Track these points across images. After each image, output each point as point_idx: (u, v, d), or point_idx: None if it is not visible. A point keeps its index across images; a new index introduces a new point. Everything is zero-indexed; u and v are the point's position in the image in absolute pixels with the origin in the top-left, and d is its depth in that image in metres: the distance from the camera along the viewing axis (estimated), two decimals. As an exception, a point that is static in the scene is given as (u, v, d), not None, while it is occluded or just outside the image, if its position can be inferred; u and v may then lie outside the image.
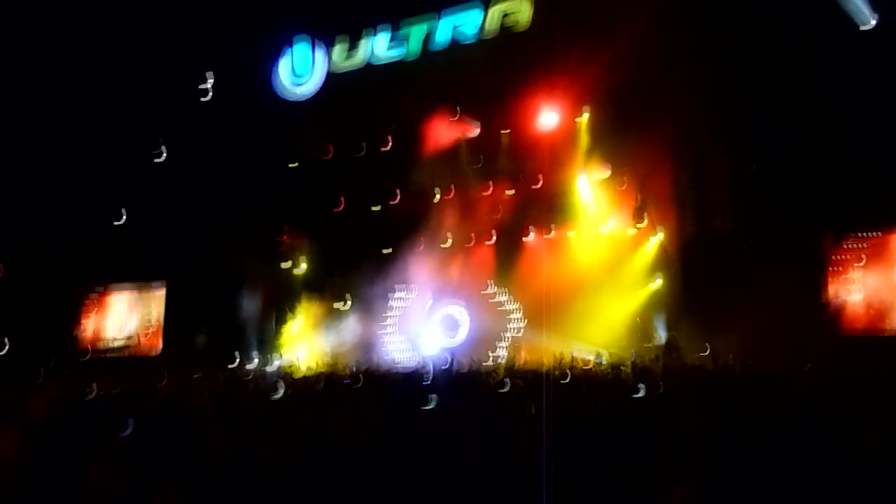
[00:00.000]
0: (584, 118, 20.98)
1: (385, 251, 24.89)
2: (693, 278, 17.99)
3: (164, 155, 23.18)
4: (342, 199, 25.94)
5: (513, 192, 22.88)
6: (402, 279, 24.25)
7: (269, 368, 21.53)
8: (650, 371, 13.15)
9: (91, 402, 11.44)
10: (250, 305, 23.98)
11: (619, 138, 20.33)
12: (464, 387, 10.22)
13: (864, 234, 18.39)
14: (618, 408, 7.33)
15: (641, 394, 9.71)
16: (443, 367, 15.41)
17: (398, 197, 25.00)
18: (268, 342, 24.49)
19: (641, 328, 19.51)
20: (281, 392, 12.14)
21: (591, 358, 16.55)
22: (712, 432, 5.45)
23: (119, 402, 11.47)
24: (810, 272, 18.28)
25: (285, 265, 25.83)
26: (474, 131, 22.38)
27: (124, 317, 27.31)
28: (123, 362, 24.47)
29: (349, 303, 24.99)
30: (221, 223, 23.79)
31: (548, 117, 20.93)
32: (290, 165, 24.56)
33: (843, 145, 16.60)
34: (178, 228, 23.47)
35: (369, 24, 22.37)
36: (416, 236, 24.32)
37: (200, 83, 23.47)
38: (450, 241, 23.80)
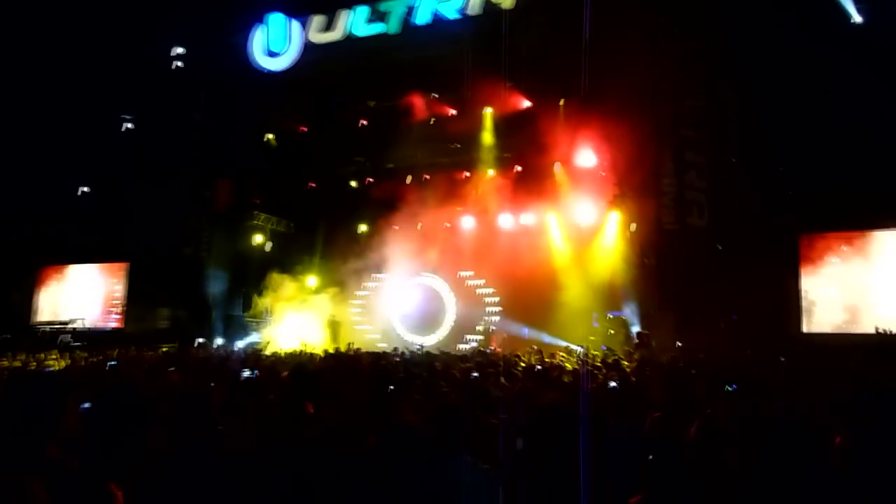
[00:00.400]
0: (563, 103, 20.67)
1: (360, 230, 24.72)
2: (667, 274, 17.87)
3: (129, 128, 22.78)
4: (316, 175, 25.74)
5: (492, 174, 22.76)
6: (377, 260, 24.02)
7: (236, 347, 21.24)
8: (615, 365, 13.06)
9: (46, 375, 11.05)
10: (217, 283, 23.63)
11: (600, 125, 20.12)
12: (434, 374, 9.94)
13: (840, 232, 18.47)
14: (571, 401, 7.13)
15: (612, 385, 9.60)
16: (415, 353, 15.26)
17: (374, 175, 24.82)
18: (236, 320, 24.17)
19: (615, 324, 19.44)
20: (247, 373, 11.81)
21: (562, 354, 16.37)
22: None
23: (77, 376, 11.10)
24: (786, 269, 18.31)
25: (255, 242, 25.55)
26: (453, 111, 22.01)
27: (86, 293, 26.95)
28: (85, 337, 23.96)
29: (321, 282, 24.82)
30: (189, 200, 23.45)
31: (528, 101, 20.61)
32: (266, 139, 24.09)
33: (824, 142, 16.54)
34: (143, 205, 23.01)
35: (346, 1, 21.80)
36: (392, 216, 24.09)
37: (170, 56, 22.90)
38: (420, 225, 23.62)
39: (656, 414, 5.35)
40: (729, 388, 8.08)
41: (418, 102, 22.21)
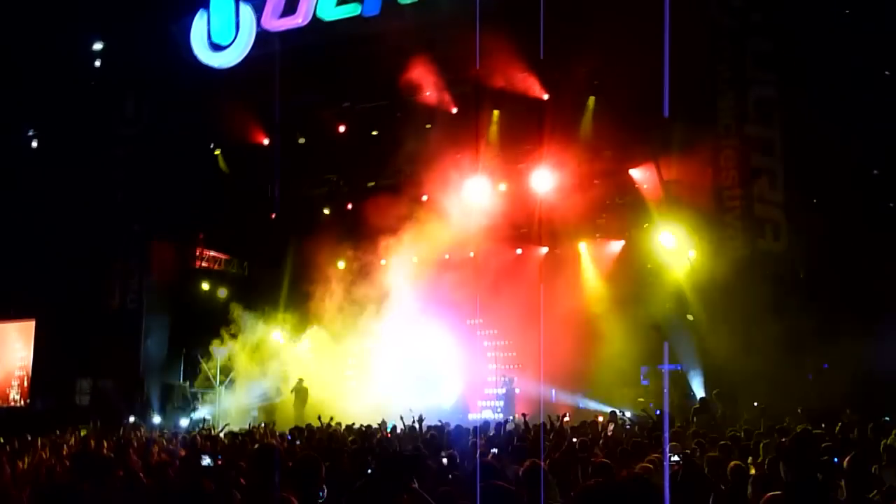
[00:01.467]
0: (594, 98, 20.72)
1: (338, 266, 24.59)
2: (736, 312, 17.62)
3: (35, 146, 22.80)
4: (278, 201, 25.65)
5: (503, 188, 22.77)
6: (360, 306, 23.89)
7: (179, 426, 21.00)
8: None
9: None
10: (154, 342, 23.39)
11: (641, 124, 20.10)
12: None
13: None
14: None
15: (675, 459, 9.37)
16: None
17: (353, 198, 24.79)
18: (177, 392, 23.89)
19: (673, 381, 19.21)
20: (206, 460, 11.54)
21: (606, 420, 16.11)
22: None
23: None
24: (890, 301, 17.97)
25: (203, 288, 25.38)
26: (454, 109, 22.03)
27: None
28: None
29: (288, 335, 24.62)
30: (113, 234, 23.29)
31: (547, 94, 20.60)
32: (213, 153, 24.09)
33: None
34: (54, 243, 22.83)
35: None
36: (378, 248, 23.98)
37: (87, 53, 22.95)
38: (415, 259, 23.52)
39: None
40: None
41: (408, 101, 22.22)
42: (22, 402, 25.36)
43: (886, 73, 17.43)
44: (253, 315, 24.44)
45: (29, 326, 25.75)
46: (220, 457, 9.54)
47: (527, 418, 16.36)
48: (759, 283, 17.45)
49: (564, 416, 16.24)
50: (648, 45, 17.68)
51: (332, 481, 7.92)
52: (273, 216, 25.13)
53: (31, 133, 23.87)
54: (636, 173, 21.23)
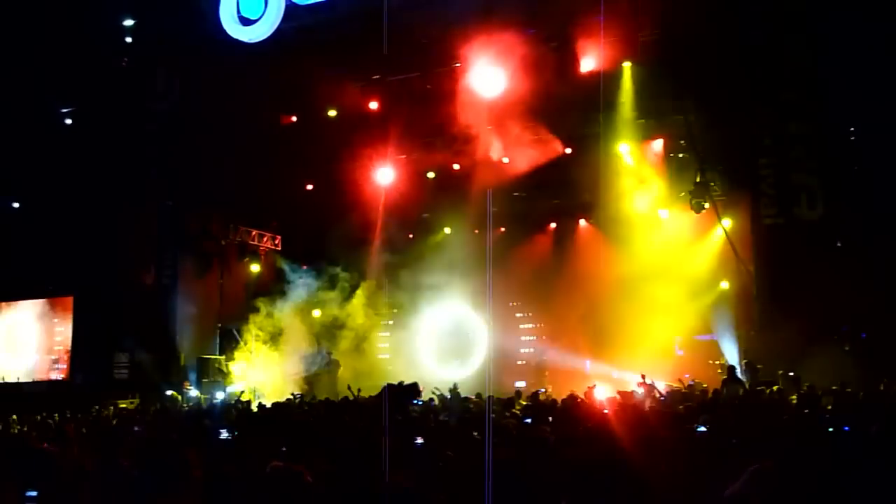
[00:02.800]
0: (629, 65, 20.46)
1: (374, 240, 24.65)
2: (771, 283, 17.47)
3: (70, 124, 22.97)
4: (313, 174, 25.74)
5: (530, 163, 22.64)
6: (395, 280, 24.02)
7: (214, 399, 21.21)
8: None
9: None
10: (189, 317, 23.63)
11: (675, 91, 19.93)
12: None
13: None
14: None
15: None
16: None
17: (383, 174, 24.77)
18: (212, 365, 24.15)
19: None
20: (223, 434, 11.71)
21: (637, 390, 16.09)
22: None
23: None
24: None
25: (235, 261, 25.55)
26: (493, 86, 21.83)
27: (19, 338, 27.10)
28: (22, 395, 24.07)
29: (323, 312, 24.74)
30: (148, 210, 23.49)
31: (584, 63, 20.34)
32: (245, 128, 24.12)
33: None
34: (91, 222, 23.07)
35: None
36: (406, 224, 24.07)
37: (118, 29, 23.01)
38: (447, 230, 23.55)
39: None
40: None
41: (440, 73, 22.12)
42: (63, 377, 25.80)
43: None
44: (286, 289, 24.57)
45: (67, 303, 26.17)
46: (235, 431, 9.68)
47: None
48: (794, 251, 17.29)
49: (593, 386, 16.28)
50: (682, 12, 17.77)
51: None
52: (309, 188, 25.30)
53: (64, 111, 24.01)
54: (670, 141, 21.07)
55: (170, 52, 23.33)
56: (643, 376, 16.50)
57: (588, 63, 20.31)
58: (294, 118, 24.25)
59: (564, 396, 14.81)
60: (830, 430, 9.32)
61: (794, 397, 13.48)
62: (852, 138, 18.38)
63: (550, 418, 12.10)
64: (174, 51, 23.20)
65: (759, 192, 18.01)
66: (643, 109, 21.11)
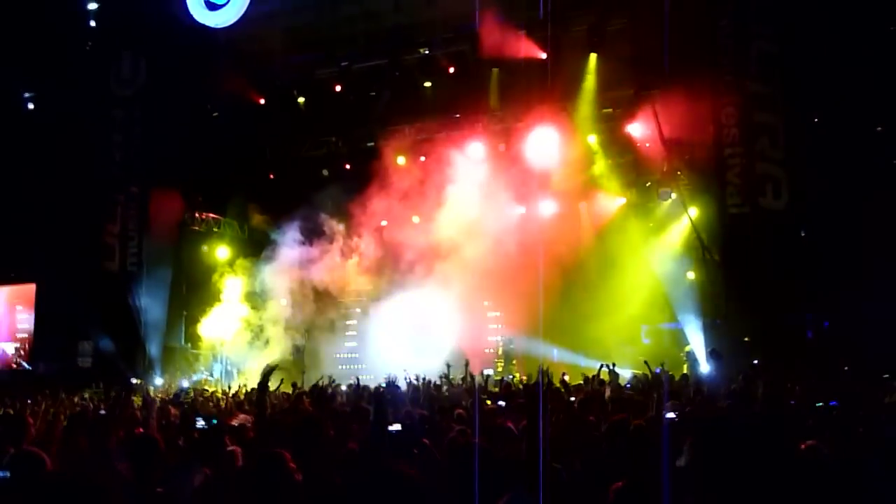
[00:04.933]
0: (595, 55, 20.52)
1: (338, 225, 24.53)
2: (736, 271, 17.57)
3: (31, 109, 22.61)
4: (275, 161, 25.63)
5: (503, 148, 22.72)
6: (357, 270, 23.91)
7: (178, 388, 21.02)
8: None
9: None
10: (154, 305, 23.37)
11: (643, 81, 20.02)
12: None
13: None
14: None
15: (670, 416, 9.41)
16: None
17: (351, 159, 24.70)
18: (178, 353, 23.97)
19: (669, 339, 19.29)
20: (202, 422, 11.52)
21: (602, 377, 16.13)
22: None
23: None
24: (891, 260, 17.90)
25: (202, 249, 25.36)
26: (452, 68, 21.81)
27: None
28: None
29: (290, 301, 24.60)
30: (112, 196, 23.21)
31: (549, 53, 20.33)
32: (210, 114, 23.90)
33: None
34: (53, 207, 22.72)
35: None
36: (376, 209, 23.94)
37: (81, 12, 22.65)
38: (417, 218, 23.49)
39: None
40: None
41: (407, 61, 22.05)
42: (25, 366, 25.44)
43: (892, 28, 17.21)
44: (250, 275, 24.43)
45: (30, 290, 25.79)
46: (214, 420, 9.52)
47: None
48: (759, 241, 17.41)
49: (564, 374, 16.27)
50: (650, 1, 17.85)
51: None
52: (271, 177, 25.21)
53: (26, 95, 23.62)
54: (636, 130, 21.11)
55: (135, 36, 22.98)
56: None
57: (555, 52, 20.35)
58: (262, 101, 23.99)
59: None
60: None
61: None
62: (818, 129, 18.46)
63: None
64: (140, 35, 22.85)
65: (725, 182, 18.08)
66: (609, 99, 21.19)
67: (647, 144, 21.00)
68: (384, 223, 23.70)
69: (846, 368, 14.21)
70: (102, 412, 13.68)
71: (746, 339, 16.90)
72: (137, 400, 17.40)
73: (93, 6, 22.91)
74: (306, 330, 23.67)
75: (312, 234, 24.12)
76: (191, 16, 22.02)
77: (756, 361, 15.99)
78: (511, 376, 18.84)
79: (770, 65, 17.86)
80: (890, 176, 17.37)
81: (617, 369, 16.74)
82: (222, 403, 15.65)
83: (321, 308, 24.31)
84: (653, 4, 18.20)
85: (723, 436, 5.59)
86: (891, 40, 16.70)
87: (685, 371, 17.32)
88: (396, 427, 7.67)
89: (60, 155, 22.85)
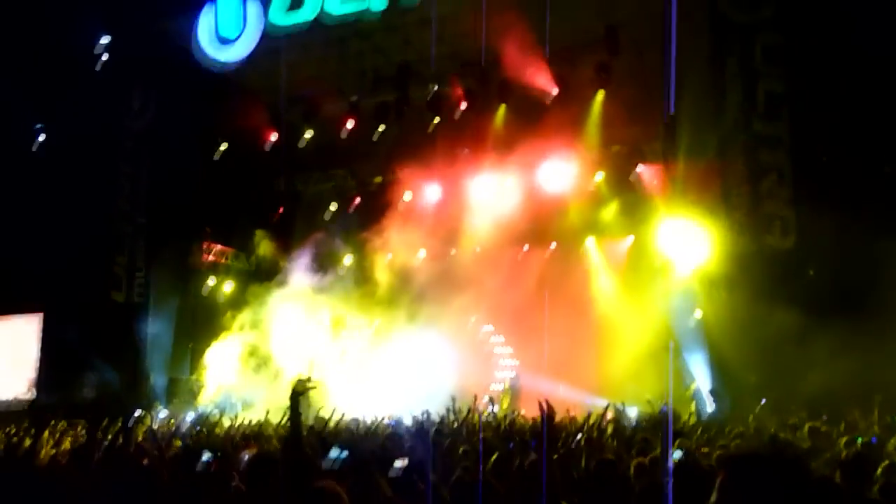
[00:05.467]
0: (600, 95, 20.60)
1: (343, 262, 24.57)
2: (743, 310, 17.47)
3: (41, 141, 22.69)
4: (285, 195, 25.72)
5: (510, 183, 22.79)
6: (363, 305, 23.91)
7: (181, 423, 20.90)
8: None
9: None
10: (160, 336, 23.33)
11: (648, 119, 20.12)
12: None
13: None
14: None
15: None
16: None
17: (361, 193, 24.81)
18: (183, 386, 23.87)
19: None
20: (205, 457, 11.46)
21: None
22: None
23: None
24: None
25: (208, 283, 25.36)
26: (464, 104, 21.87)
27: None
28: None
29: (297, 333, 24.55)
30: (120, 228, 23.27)
31: (558, 90, 20.44)
32: (218, 147, 23.98)
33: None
34: (61, 237, 22.77)
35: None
36: (384, 244, 24.05)
37: (93, 47, 22.84)
38: (422, 252, 23.55)
39: None
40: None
41: (415, 96, 22.14)
42: (28, 395, 25.32)
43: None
44: (257, 308, 24.37)
45: (36, 320, 25.75)
46: (219, 453, 9.44)
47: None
48: (766, 280, 17.32)
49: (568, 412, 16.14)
50: (657, 39, 17.93)
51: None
52: (280, 211, 25.28)
53: (37, 127, 23.77)
54: (643, 169, 21.17)
55: (147, 70, 23.16)
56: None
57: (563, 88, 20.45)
58: (272, 136, 24.10)
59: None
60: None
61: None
62: (825, 168, 18.46)
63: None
64: (151, 69, 23.03)
65: (732, 220, 18.06)
66: (617, 136, 21.26)
67: (655, 182, 21.05)
68: (389, 256, 23.73)
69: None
70: (105, 443, 13.64)
71: (753, 378, 16.76)
72: (144, 424, 17.39)
73: (105, 40, 23.07)
74: (311, 362, 23.55)
75: (321, 266, 24.10)
76: (202, 50, 22.17)
77: (764, 400, 15.88)
78: (515, 413, 18.69)
79: (777, 104, 17.91)
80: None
81: (622, 407, 16.56)
82: (232, 434, 15.54)
83: (329, 339, 24.26)
84: (660, 43, 18.30)
85: (756, 474, 5.49)
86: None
87: (692, 409, 17.16)
88: (403, 463, 7.60)
89: (70, 186, 22.94)
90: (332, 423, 15.25)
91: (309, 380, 7.18)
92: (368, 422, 16.28)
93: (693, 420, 15.37)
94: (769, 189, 17.88)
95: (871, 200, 17.21)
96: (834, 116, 17.22)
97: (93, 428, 16.73)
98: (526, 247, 23.21)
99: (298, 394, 6.62)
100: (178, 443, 13.31)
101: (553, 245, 22.70)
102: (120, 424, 15.77)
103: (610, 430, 13.52)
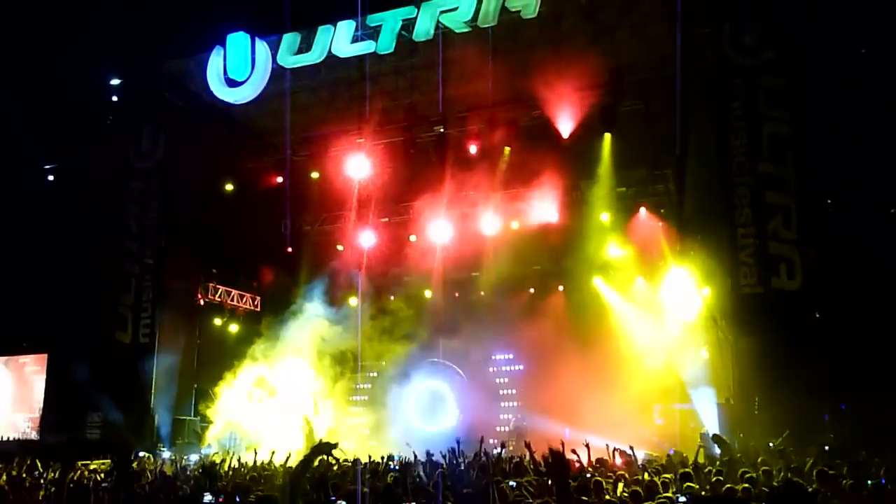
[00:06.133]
0: (608, 135, 20.73)
1: (351, 303, 24.58)
2: (750, 352, 17.39)
3: (50, 181, 22.88)
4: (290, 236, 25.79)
5: (516, 226, 22.93)
6: (374, 343, 23.91)
7: (187, 462, 20.75)
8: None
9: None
10: (165, 377, 23.24)
11: (654, 161, 20.27)
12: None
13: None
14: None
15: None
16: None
17: (366, 232, 24.89)
18: (187, 426, 23.72)
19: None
20: (208, 498, 11.38)
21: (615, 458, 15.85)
22: None
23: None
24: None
25: (214, 324, 25.35)
26: (473, 145, 21.97)
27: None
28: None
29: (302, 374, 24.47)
30: (127, 268, 23.31)
31: (562, 126, 20.56)
32: (226, 188, 24.08)
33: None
34: (67, 278, 22.82)
35: (325, 16, 21.95)
36: (392, 283, 24.12)
37: (104, 88, 23.09)
38: (429, 293, 23.64)
39: None
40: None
41: (422, 139, 22.27)
42: (34, 435, 25.22)
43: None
44: (263, 350, 24.29)
45: (42, 360, 25.74)
46: (221, 496, 9.38)
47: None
48: (773, 321, 17.26)
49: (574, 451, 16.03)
50: (661, 83, 18.15)
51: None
52: (288, 251, 25.31)
53: (47, 167, 23.96)
54: (648, 210, 21.31)
55: (156, 111, 23.36)
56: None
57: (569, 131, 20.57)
58: (279, 179, 24.20)
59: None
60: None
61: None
62: (830, 210, 18.51)
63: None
64: (160, 110, 23.24)
65: (738, 262, 18.05)
66: (623, 178, 21.36)
67: (661, 223, 21.13)
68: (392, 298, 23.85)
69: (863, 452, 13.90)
70: (105, 485, 13.55)
71: (760, 420, 16.61)
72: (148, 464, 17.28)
73: (115, 82, 23.32)
74: (315, 400, 23.45)
75: (327, 305, 24.08)
76: (210, 92, 22.32)
77: (771, 444, 15.73)
78: (520, 456, 18.54)
79: (781, 146, 17.99)
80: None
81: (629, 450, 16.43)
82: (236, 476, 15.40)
83: (334, 378, 24.19)
84: (666, 86, 18.48)
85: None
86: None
87: (701, 453, 16.99)
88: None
89: (77, 226, 23.07)
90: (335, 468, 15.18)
91: (331, 444, 7.17)
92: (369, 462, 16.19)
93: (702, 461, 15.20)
94: (775, 230, 17.87)
95: (877, 242, 17.24)
96: (839, 158, 17.29)
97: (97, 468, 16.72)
98: (532, 290, 23.27)
99: (319, 453, 6.61)
100: (183, 485, 13.23)
101: (560, 288, 22.73)
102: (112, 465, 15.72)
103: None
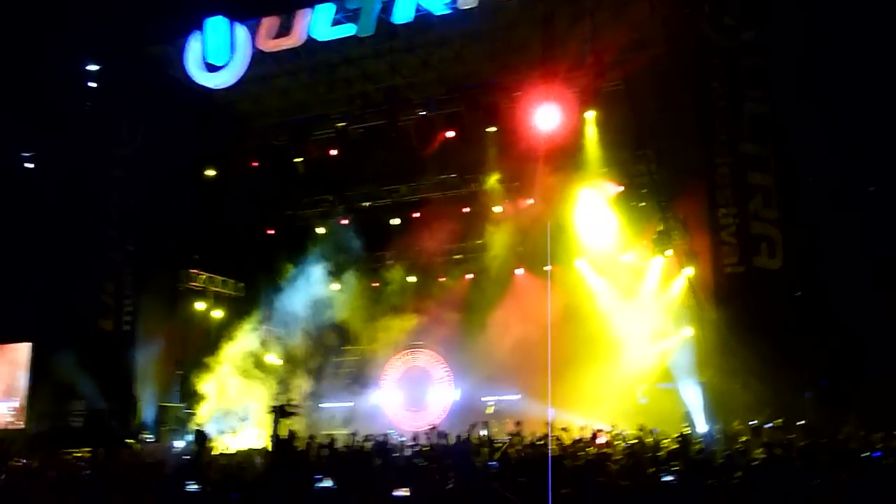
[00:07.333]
0: (591, 115, 20.68)
1: (333, 286, 24.55)
2: (732, 331, 17.50)
3: (29, 168, 22.70)
4: (272, 219, 25.75)
5: (499, 210, 22.96)
6: (354, 328, 23.96)
7: (173, 446, 20.84)
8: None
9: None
10: (148, 364, 23.19)
11: (636, 142, 20.29)
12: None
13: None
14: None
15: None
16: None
17: (348, 217, 24.86)
18: (171, 413, 23.70)
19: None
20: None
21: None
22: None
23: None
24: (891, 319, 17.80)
25: (196, 308, 25.27)
26: (451, 132, 21.89)
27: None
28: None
29: (281, 357, 24.51)
30: (108, 255, 23.21)
31: (545, 113, 20.48)
32: (207, 174, 23.92)
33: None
34: (48, 267, 22.72)
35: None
36: (372, 268, 24.13)
37: (81, 74, 22.89)
38: (414, 278, 23.69)
39: None
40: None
41: (403, 122, 22.19)
42: (19, 425, 25.11)
43: (883, 89, 17.46)
44: (246, 335, 24.28)
45: (25, 349, 25.58)
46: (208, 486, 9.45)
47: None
48: (755, 300, 17.37)
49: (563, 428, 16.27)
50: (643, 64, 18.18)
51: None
52: (269, 233, 25.27)
53: (24, 154, 23.76)
54: (632, 189, 21.39)
55: (134, 97, 23.20)
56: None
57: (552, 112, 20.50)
58: (256, 163, 24.05)
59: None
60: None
61: (759, 451, 13.36)
62: (811, 189, 18.60)
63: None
64: (139, 96, 23.07)
65: (720, 241, 18.14)
66: (605, 158, 21.36)
67: (643, 204, 21.20)
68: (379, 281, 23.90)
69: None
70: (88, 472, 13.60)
71: (742, 398, 16.74)
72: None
73: (93, 68, 23.11)
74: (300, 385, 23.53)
75: (310, 290, 24.09)
76: (189, 77, 22.17)
77: (754, 422, 15.87)
78: (509, 437, 18.65)
79: (762, 126, 18.07)
80: (884, 236, 17.42)
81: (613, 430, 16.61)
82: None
83: (319, 362, 24.29)
84: (646, 67, 18.52)
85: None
86: (882, 101, 16.87)
87: (683, 432, 17.14)
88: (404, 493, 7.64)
89: (57, 214, 22.93)
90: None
91: (291, 404, 7.24)
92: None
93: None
94: (756, 210, 17.96)
95: (857, 220, 17.35)
96: (819, 137, 17.37)
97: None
98: (519, 271, 23.31)
99: (281, 414, 6.71)
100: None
101: (545, 268, 22.74)
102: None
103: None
